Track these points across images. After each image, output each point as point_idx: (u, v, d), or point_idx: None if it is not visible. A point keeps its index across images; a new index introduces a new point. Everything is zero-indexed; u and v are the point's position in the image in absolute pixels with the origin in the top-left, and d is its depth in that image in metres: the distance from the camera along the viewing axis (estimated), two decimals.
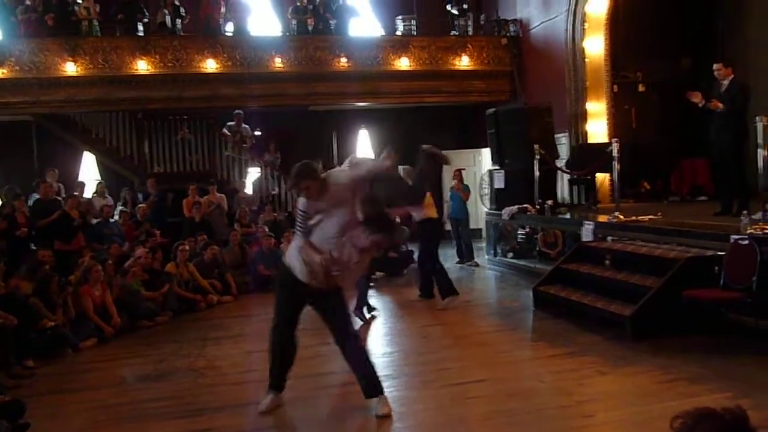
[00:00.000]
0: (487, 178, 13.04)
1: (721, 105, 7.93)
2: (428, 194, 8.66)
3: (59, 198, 10.78)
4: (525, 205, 10.78)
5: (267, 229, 11.02)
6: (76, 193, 11.24)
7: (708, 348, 5.84)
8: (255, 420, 4.92)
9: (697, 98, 8.15)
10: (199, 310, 9.20)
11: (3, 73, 11.97)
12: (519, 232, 11.72)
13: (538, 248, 10.93)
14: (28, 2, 12.56)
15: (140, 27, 13.17)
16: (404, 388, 5.50)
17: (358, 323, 5.87)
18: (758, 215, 6.75)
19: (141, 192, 13.00)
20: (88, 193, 12.31)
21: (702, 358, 5.62)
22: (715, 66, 8.18)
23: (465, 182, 12.66)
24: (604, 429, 4.47)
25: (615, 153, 9.01)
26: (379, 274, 11.16)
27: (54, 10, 12.71)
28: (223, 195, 12.65)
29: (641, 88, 12.72)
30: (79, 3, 12.85)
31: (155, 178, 12.84)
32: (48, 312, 7.02)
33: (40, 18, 12.59)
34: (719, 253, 6.41)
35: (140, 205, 11.96)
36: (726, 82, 8.07)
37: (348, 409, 5.07)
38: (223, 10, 13.55)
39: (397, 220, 5.25)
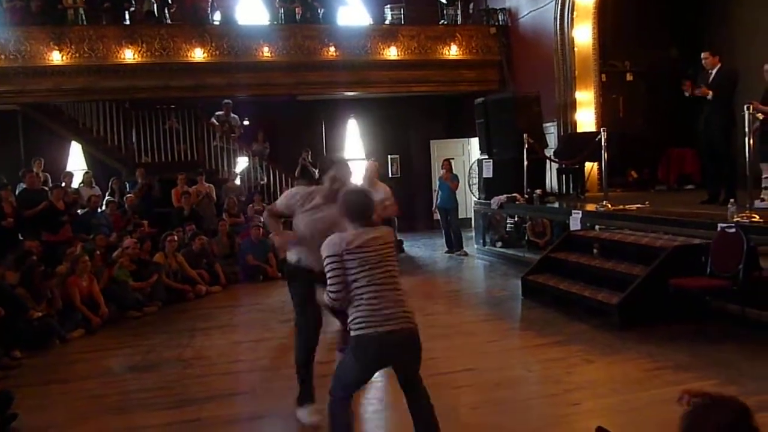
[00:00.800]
0: (476, 168, 13.05)
1: (710, 92, 7.95)
2: None
3: (46, 188, 10.70)
4: (514, 195, 10.80)
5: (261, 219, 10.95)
6: (63, 184, 11.17)
7: (695, 336, 5.88)
8: (244, 410, 4.92)
9: (686, 88, 8.19)
10: (188, 300, 9.18)
11: None
12: (508, 221, 11.75)
13: (526, 237, 10.96)
14: None
15: (126, 15, 13.05)
16: (392, 377, 5.50)
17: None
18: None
19: (129, 182, 12.93)
20: (76, 183, 12.23)
21: (689, 346, 5.66)
22: (702, 54, 8.20)
23: (454, 172, 12.66)
24: (592, 417, 4.48)
25: (603, 142, 9.02)
26: None
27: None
28: (211, 185, 12.60)
29: (629, 77, 12.74)
30: None
31: (144, 168, 12.76)
32: (32, 302, 6.98)
33: (26, 6, 12.45)
34: (706, 241, 6.45)
35: (128, 195, 11.91)
36: (713, 71, 8.08)
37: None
38: None
39: None
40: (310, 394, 4.59)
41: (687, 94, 8.24)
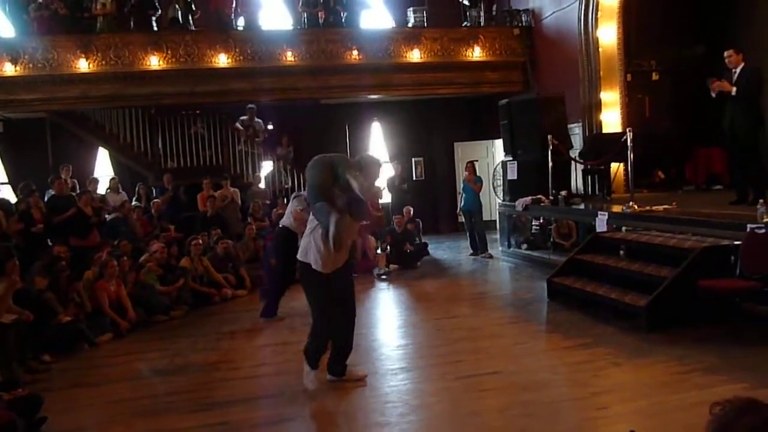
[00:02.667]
0: (500, 170, 12.99)
1: (733, 88, 7.84)
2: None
3: (73, 194, 10.84)
4: (539, 196, 10.73)
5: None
6: (89, 190, 11.30)
7: (724, 338, 5.80)
8: (270, 413, 4.94)
9: (713, 87, 8.08)
10: (214, 304, 9.25)
11: (17, 70, 12.02)
12: (533, 223, 11.68)
13: (552, 239, 10.88)
14: (40, 0, 12.61)
15: (153, 22, 13.19)
16: (418, 380, 5.50)
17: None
18: None
19: (156, 187, 13.06)
20: (102, 189, 12.38)
21: (718, 349, 5.58)
22: (726, 53, 8.07)
23: (478, 174, 12.62)
24: (619, 420, 4.44)
25: (629, 142, 8.93)
26: (393, 266, 11.17)
27: (67, 7, 12.76)
28: (236, 189, 12.68)
29: (655, 76, 12.59)
30: None
31: (171, 173, 12.89)
32: (60, 307, 7.08)
33: (53, 15, 12.64)
34: (735, 242, 6.35)
35: (155, 200, 12.03)
36: (737, 70, 7.96)
37: (361, 398, 5.08)
38: (233, 4, 13.54)
39: None
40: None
41: (713, 95, 8.12)
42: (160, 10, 13.24)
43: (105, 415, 5.06)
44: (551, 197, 10.47)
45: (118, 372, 6.28)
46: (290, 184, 14.36)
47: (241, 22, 13.86)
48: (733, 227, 6.64)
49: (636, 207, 8.48)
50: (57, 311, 6.95)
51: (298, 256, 5.17)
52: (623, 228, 8.46)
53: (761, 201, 6.68)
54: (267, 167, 14.56)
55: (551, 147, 10.42)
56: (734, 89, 7.85)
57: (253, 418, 4.85)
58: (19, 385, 5.17)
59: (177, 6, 13.28)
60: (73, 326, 7.01)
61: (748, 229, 6.22)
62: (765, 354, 5.40)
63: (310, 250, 5.07)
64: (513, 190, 11.72)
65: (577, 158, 11.22)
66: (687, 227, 7.36)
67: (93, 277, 7.86)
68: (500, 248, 12.24)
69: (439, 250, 13.41)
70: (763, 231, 6.02)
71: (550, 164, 10.52)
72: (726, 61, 8.08)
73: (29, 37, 12.41)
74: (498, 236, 12.64)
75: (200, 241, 9.77)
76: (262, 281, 10.48)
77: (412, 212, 12.73)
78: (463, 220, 12.80)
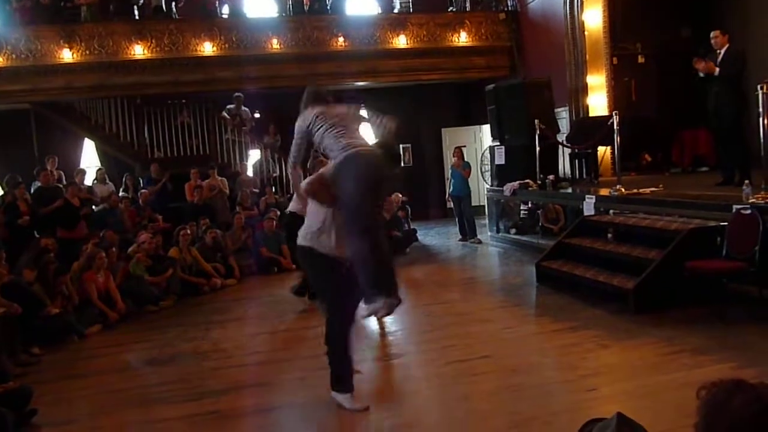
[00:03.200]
0: (488, 155, 13.00)
1: (716, 69, 7.90)
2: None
3: (60, 185, 10.77)
4: (526, 181, 10.76)
5: (278, 212, 10.94)
6: (75, 181, 11.24)
7: (711, 319, 5.84)
8: (261, 401, 4.94)
9: (699, 66, 8.12)
10: (203, 293, 9.24)
11: (0, 61, 11.90)
12: (521, 207, 11.71)
13: (540, 224, 10.92)
14: None
15: (136, 11, 13.07)
16: (409, 366, 5.52)
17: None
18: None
19: (143, 177, 12.99)
20: (89, 180, 12.30)
21: (706, 329, 5.63)
22: (712, 34, 8.12)
23: (466, 159, 12.62)
24: (609, 402, 4.47)
25: (615, 126, 8.95)
26: None
27: None
28: (224, 178, 12.63)
29: (641, 59, 12.60)
30: None
31: (158, 163, 12.82)
32: (47, 299, 7.05)
33: (36, 5, 12.50)
34: (721, 223, 6.40)
35: (142, 191, 11.97)
36: (722, 51, 8.01)
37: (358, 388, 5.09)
38: None
39: None
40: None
41: (701, 74, 8.16)
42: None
43: (95, 406, 5.05)
44: (539, 182, 10.50)
45: (108, 363, 6.27)
46: (278, 172, 14.32)
47: (225, 10, 13.76)
48: (719, 208, 6.68)
49: (623, 190, 8.51)
50: (45, 303, 6.92)
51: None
52: (611, 211, 8.49)
53: (747, 182, 6.72)
54: (254, 156, 14.51)
55: (538, 131, 10.44)
56: (717, 70, 7.91)
57: (244, 406, 4.86)
58: (9, 378, 5.16)
59: None
60: (62, 318, 6.98)
61: (734, 210, 6.26)
62: (752, 333, 5.45)
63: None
64: (501, 175, 11.74)
65: (564, 142, 11.25)
66: (674, 209, 7.39)
67: (80, 269, 7.82)
68: (489, 233, 12.27)
69: (428, 236, 13.43)
70: (748, 212, 6.06)
71: (538, 148, 10.54)
72: (711, 41, 8.13)
73: (12, 27, 12.27)
74: (486, 221, 12.67)
75: (188, 231, 9.74)
76: (251, 270, 10.50)
77: (400, 198, 12.73)
78: (452, 205, 12.81)
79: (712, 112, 8.24)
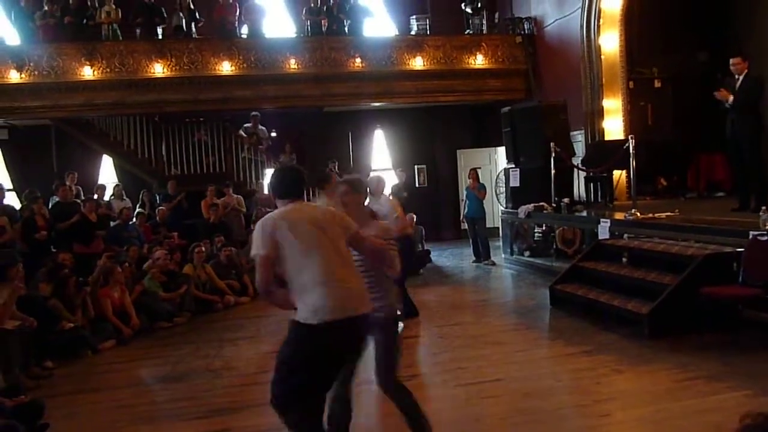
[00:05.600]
0: (503, 177, 13.00)
1: (730, 96, 7.87)
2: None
3: (78, 201, 10.88)
4: (541, 204, 10.74)
5: None
6: (95, 197, 11.35)
7: (727, 345, 5.79)
8: (272, 420, 4.92)
9: (721, 95, 8.05)
10: (216, 311, 9.25)
11: (22, 78, 12.09)
12: (535, 230, 11.67)
13: (555, 246, 10.87)
14: (46, 8, 12.68)
15: (159, 31, 13.25)
16: (420, 387, 5.49)
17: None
18: None
19: (159, 194, 13.09)
20: (107, 196, 12.42)
21: (721, 356, 5.57)
22: (732, 60, 8.08)
23: (481, 181, 12.62)
24: (622, 428, 4.44)
25: (631, 150, 8.94)
26: None
27: (72, 15, 12.84)
28: (240, 196, 12.71)
29: (657, 83, 12.60)
30: (97, 7, 12.98)
31: (176, 181, 12.92)
32: (68, 313, 7.11)
33: (58, 23, 12.71)
34: (738, 249, 6.35)
35: (159, 208, 12.06)
36: (740, 77, 7.98)
37: (363, 405, 5.07)
38: (237, 12, 13.60)
39: None
40: None
41: (727, 104, 8.08)
42: (165, 19, 13.29)
43: (107, 421, 5.07)
44: (554, 204, 10.47)
45: (121, 378, 6.29)
46: None
47: (244, 30, 13.92)
48: (736, 234, 6.64)
49: (638, 214, 8.48)
50: (63, 318, 6.97)
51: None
52: (626, 235, 8.45)
53: (764, 208, 6.67)
54: (270, 174, 14.58)
55: (554, 154, 10.43)
56: (731, 98, 7.88)
57: (256, 425, 4.84)
58: (21, 392, 5.18)
59: (181, 14, 13.34)
60: (76, 333, 7.02)
61: (750, 236, 6.21)
62: (767, 361, 5.38)
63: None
64: (516, 197, 11.73)
65: (580, 165, 11.23)
66: (689, 234, 7.35)
67: (95, 283, 7.87)
68: (503, 255, 12.23)
69: (442, 257, 13.40)
70: (765, 238, 6.01)
71: (553, 171, 10.53)
72: (731, 68, 8.09)
73: (34, 44, 12.48)
74: (501, 243, 12.63)
75: (203, 248, 9.79)
76: None
77: (415, 219, 12.72)
78: (467, 227, 12.80)
79: (729, 137, 8.20)
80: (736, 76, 8.04)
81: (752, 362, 5.39)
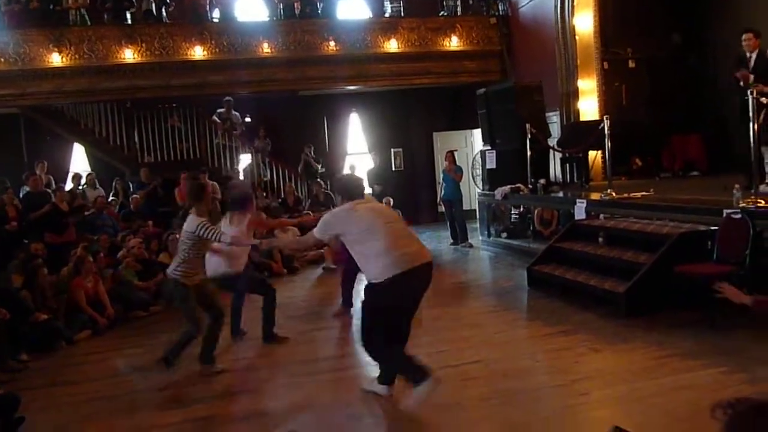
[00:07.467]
0: (479, 159, 13.00)
1: (751, 76, 7.46)
2: None
3: (49, 190, 10.71)
4: (518, 185, 10.77)
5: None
6: (71, 185, 11.17)
7: (702, 323, 5.84)
8: (251, 407, 4.91)
9: (743, 78, 7.54)
10: None
11: None
12: (512, 212, 11.70)
13: (532, 227, 10.91)
14: None
15: (128, 15, 13.01)
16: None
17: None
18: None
19: (132, 182, 12.93)
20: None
21: (696, 334, 5.64)
22: (744, 36, 7.64)
23: (457, 163, 12.61)
24: (600, 406, 4.47)
25: (606, 130, 8.97)
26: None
27: (39, 0, 12.56)
28: (215, 183, 12.58)
29: (631, 64, 12.63)
30: None
31: (149, 168, 12.75)
32: (38, 305, 6.99)
33: (24, 8, 12.44)
34: (712, 228, 6.41)
35: (134, 196, 11.91)
36: (753, 55, 7.63)
37: (340, 394, 5.07)
38: None
39: None
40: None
41: (741, 84, 7.52)
42: (135, 4, 13.07)
43: (84, 413, 5.01)
44: (530, 186, 10.50)
45: (97, 369, 6.21)
46: (269, 176, 14.30)
47: (216, 14, 13.74)
48: (710, 213, 6.70)
49: (614, 194, 8.54)
50: (33, 309, 6.86)
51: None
52: (602, 215, 8.51)
53: (736, 186, 6.72)
54: (245, 160, 14.47)
55: (529, 136, 10.44)
56: (752, 77, 7.46)
57: (233, 412, 4.83)
58: None
59: None
60: (50, 324, 6.92)
61: (724, 215, 6.27)
62: (742, 338, 5.45)
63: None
64: (492, 179, 11.74)
65: (555, 146, 11.27)
66: (664, 213, 7.41)
67: (69, 274, 7.76)
68: (480, 237, 12.26)
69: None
70: (739, 216, 6.07)
71: (529, 153, 10.55)
72: (743, 44, 7.74)
73: (1, 31, 12.19)
74: (478, 225, 12.66)
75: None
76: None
77: (392, 203, 12.69)
78: (444, 209, 12.80)
79: (739, 117, 7.70)
80: (748, 54, 7.68)
81: (727, 339, 5.46)
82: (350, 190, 4.78)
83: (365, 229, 4.49)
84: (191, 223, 5.53)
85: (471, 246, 12.04)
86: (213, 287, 6.05)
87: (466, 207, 13.30)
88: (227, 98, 13.73)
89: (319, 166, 14.72)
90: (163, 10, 13.32)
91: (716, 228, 6.30)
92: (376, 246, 4.44)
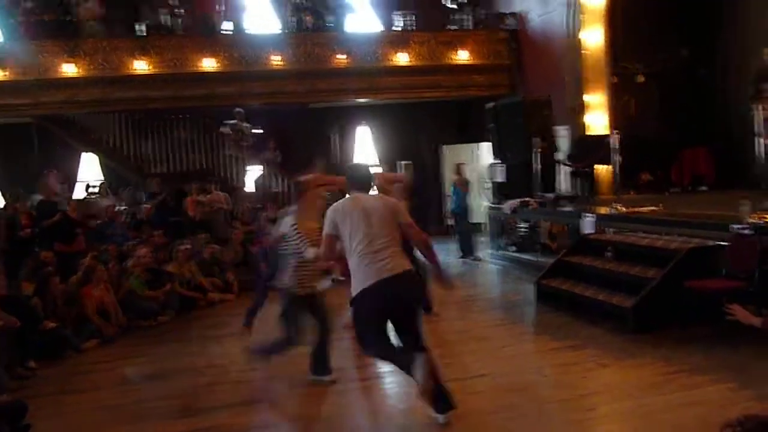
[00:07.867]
0: (488, 172, 13.01)
1: None
2: None
3: (60, 199, 10.77)
4: (526, 199, 10.76)
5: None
6: (85, 194, 11.23)
7: (710, 339, 5.82)
8: (257, 418, 4.92)
9: None
10: (200, 308, 9.20)
11: (3, 75, 11.93)
12: (521, 225, 11.70)
13: (540, 241, 10.89)
14: (27, 4, 12.54)
15: (140, 27, 13.11)
16: (406, 384, 5.47)
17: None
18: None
19: (143, 192, 13.00)
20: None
21: (704, 349, 5.61)
22: (766, 50, 7.83)
23: (465, 176, 12.61)
24: (607, 422, 4.46)
25: (615, 145, 8.97)
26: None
27: (54, 12, 12.69)
28: (226, 194, 12.64)
29: (640, 79, 12.63)
30: (80, 3, 12.83)
31: (159, 178, 12.83)
32: (48, 313, 7.02)
33: (40, 20, 12.56)
34: (721, 243, 6.39)
35: (144, 206, 11.96)
36: None
37: (348, 405, 5.07)
38: (221, 8, 13.51)
39: None
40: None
41: None
42: (149, 16, 13.17)
43: (90, 421, 5.03)
44: (539, 200, 10.50)
45: (104, 378, 6.24)
46: (279, 187, 14.34)
47: (227, 26, 13.83)
48: (719, 228, 6.67)
49: (623, 208, 8.52)
50: (42, 317, 6.89)
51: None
52: (610, 230, 8.49)
53: (745, 201, 6.68)
54: (255, 171, 14.53)
55: (538, 150, 10.45)
56: None
57: (241, 423, 4.83)
58: (3, 392, 5.13)
59: (164, 10, 13.22)
60: (59, 332, 6.95)
61: (733, 230, 6.25)
62: (750, 354, 5.42)
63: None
64: (501, 192, 11.75)
65: (564, 160, 11.26)
66: (673, 228, 7.38)
67: (77, 283, 7.80)
68: (489, 251, 12.25)
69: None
70: (747, 231, 6.05)
71: (538, 167, 10.55)
72: (766, 57, 7.80)
73: (16, 41, 12.33)
74: (487, 239, 12.64)
75: (187, 246, 9.73)
76: (252, 285, 10.44)
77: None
78: (453, 222, 12.79)
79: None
80: None
81: (735, 355, 5.42)
82: (352, 179, 4.73)
83: (347, 235, 4.41)
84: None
85: (479, 259, 12.02)
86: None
87: (475, 220, 13.29)
88: (237, 110, 13.79)
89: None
90: (176, 21, 13.41)
91: (726, 243, 6.27)
92: (352, 261, 4.41)
